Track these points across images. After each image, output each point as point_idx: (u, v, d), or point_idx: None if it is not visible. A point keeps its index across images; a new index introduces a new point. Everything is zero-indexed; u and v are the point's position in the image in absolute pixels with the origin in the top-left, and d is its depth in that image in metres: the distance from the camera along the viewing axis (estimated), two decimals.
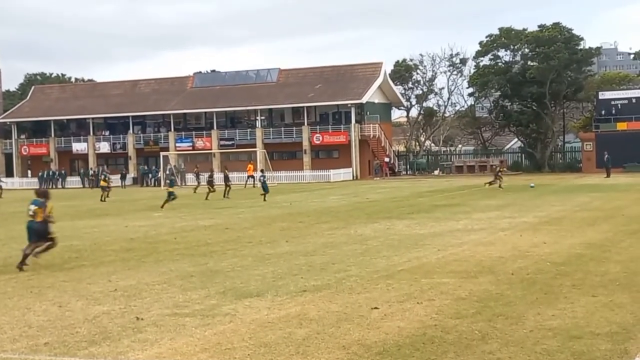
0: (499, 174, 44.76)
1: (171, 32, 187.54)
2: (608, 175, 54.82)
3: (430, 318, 11.08)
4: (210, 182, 44.16)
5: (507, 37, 72.97)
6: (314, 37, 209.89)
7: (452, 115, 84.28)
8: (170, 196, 36.73)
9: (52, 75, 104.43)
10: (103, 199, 44.24)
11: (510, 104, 76.61)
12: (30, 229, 17.17)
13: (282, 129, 72.22)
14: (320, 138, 69.90)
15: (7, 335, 10.96)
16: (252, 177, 57.47)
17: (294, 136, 70.76)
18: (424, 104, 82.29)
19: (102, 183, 46.98)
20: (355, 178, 66.94)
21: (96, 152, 76.74)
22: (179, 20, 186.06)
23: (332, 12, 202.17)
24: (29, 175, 77.57)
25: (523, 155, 77.28)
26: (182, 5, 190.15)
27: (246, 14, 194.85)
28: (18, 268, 16.82)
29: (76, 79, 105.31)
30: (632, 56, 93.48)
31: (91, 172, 72.54)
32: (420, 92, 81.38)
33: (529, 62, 72.74)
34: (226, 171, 47.24)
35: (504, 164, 53.24)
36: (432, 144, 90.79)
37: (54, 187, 68.48)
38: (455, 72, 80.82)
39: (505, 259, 16.53)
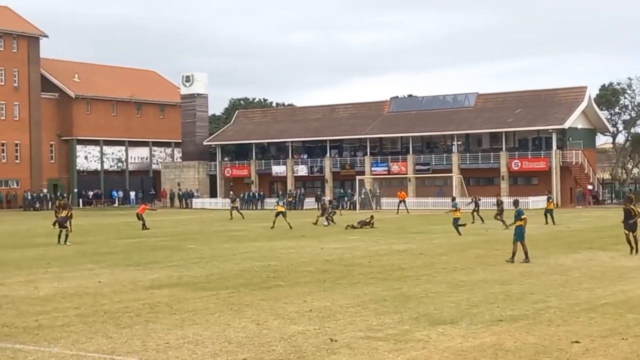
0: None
1: (363, 58, 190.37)
2: None
3: (637, 356, 10.42)
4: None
5: None
6: (509, 62, 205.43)
7: None
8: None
9: (255, 100, 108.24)
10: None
11: None
12: None
13: (479, 154, 71.11)
14: (519, 164, 68.11)
15: (209, 350, 11.41)
16: (403, 201, 58.16)
17: (492, 162, 69.42)
18: (632, 130, 78.27)
19: (280, 208, 40.60)
20: (555, 206, 64.57)
21: (294, 175, 78.91)
22: (372, 47, 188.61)
23: (529, 37, 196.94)
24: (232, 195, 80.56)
25: None
26: (374, 32, 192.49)
27: (439, 40, 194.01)
28: None
29: (277, 104, 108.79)
30: None
31: (288, 194, 74.46)
32: (628, 117, 77.50)
33: None
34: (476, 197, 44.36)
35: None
36: None
37: (254, 208, 71.13)
38: None
39: None
